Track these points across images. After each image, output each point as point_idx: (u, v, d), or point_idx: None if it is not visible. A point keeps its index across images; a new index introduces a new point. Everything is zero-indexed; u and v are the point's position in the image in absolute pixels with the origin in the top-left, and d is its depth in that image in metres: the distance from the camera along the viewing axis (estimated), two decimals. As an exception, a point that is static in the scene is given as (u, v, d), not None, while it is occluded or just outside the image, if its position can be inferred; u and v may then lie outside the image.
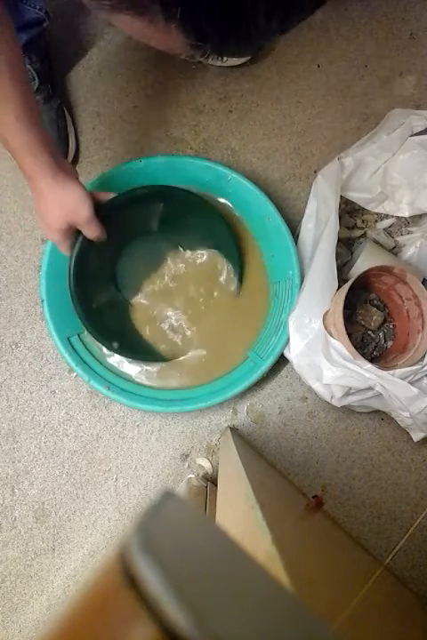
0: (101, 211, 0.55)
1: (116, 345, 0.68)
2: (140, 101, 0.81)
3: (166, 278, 0.74)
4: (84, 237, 0.56)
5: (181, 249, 0.74)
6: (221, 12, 0.24)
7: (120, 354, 0.70)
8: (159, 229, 0.70)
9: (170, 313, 0.74)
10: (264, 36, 0.28)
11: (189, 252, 0.74)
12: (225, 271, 0.74)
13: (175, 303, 0.74)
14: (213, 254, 0.74)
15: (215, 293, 0.75)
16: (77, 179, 0.53)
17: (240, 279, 0.74)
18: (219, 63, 0.79)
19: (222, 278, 0.75)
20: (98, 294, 0.68)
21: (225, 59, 0.30)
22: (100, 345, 0.73)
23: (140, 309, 0.74)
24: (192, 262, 0.75)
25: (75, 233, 0.56)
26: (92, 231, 0.55)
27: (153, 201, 0.66)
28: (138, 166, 0.70)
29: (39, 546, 0.76)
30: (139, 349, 0.72)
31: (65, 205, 0.51)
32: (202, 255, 0.74)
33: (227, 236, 0.71)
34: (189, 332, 0.74)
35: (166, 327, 0.74)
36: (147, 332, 0.74)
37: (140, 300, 0.74)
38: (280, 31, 0.28)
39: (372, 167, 0.73)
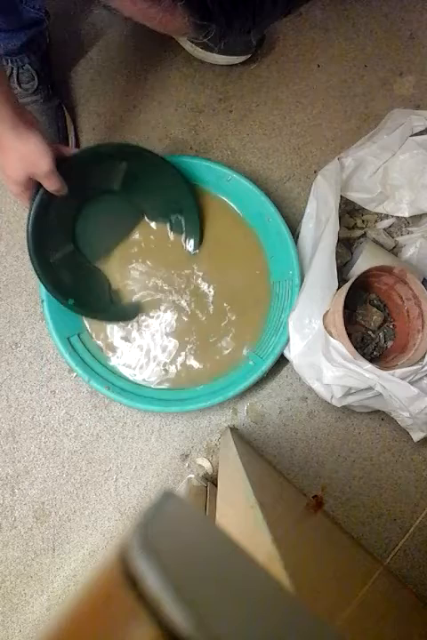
0: (63, 165, 0.54)
1: (71, 302, 0.68)
2: (140, 101, 0.81)
3: (135, 249, 0.75)
4: (45, 191, 0.55)
5: (146, 219, 0.74)
6: None
7: (76, 311, 0.70)
8: (122, 190, 0.69)
9: (132, 281, 0.75)
10: (268, 19, 0.28)
11: (154, 224, 0.75)
12: (184, 232, 0.75)
13: (143, 273, 0.75)
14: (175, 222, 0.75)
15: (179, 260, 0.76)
16: (39, 130, 0.52)
17: (200, 240, 0.75)
18: (217, 55, 0.78)
19: (183, 240, 0.76)
20: (56, 250, 0.66)
21: (223, 45, 0.29)
22: (100, 345, 0.74)
23: (104, 271, 0.74)
24: (159, 233, 0.75)
25: (35, 185, 0.55)
26: (52, 184, 0.54)
27: (116, 159, 0.65)
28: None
29: (39, 546, 0.76)
30: (97, 308, 0.72)
31: (24, 157, 0.51)
32: (167, 227, 0.75)
33: (189, 198, 0.71)
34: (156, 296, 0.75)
35: (131, 290, 0.75)
36: (109, 294, 0.74)
37: (104, 262, 0.74)
38: (284, 14, 0.28)
39: (372, 167, 0.73)
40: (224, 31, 0.28)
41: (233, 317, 0.75)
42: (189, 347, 0.75)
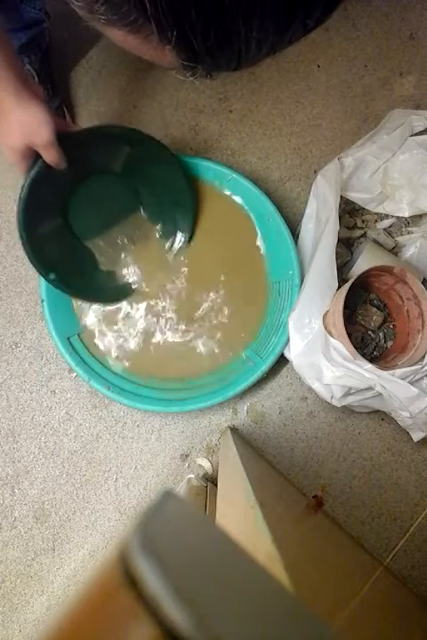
0: (65, 140, 0.53)
1: (52, 276, 0.66)
2: (140, 101, 0.81)
3: (126, 240, 0.75)
4: (44, 163, 0.54)
5: (141, 212, 0.74)
6: (216, 38, 0.25)
7: (56, 287, 0.68)
8: (121, 173, 0.68)
9: (122, 266, 0.75)
10: (253, 60, 0.28)
11: (148, 211, 0.74)
12: (177, 225, 0.75)
13: (134, 260, 0.75)
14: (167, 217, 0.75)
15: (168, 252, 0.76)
16: (43, 100, 0.52)
17: (191, 234, 0.75)
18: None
19: (175, 233, 0.76)
20: (46, 222, 0.65)
21: (214, 75, 0.30)
22: (100, 344, 0.73)
23: (93, 251, 0.73)
24: (154, 223, 0.75)
25: (34, 155, 0.54)
26: (51, 156, 0.53)
27: (120, 142, 0.64)
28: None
29: (39, 546, 0.76)
30: (80, 287, 0.71)
31: (25, 125, 0.50)
32: (156, 218, 0.75)
33: (186, 191, 0.71)
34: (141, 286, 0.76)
35: (118, 275, 0.75)
36: (95, 275, 0.74)
37: (93, 243, 0.73)
38: (268, 56, 0.28)
39: (372, 167, 0.73)
40: (210, 71, 0.29)
41: (229, 314, 0.75)
42: (178, 339, 0.75)
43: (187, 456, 0.78)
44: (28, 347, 0.77)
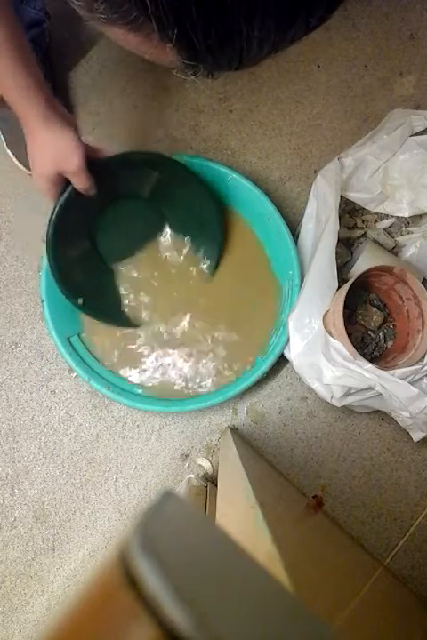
0: (94, 166, 0.54)
1: (80, 301, 0.67)
2: (140, 101, 0.81)
3: (152, 257, 0.74)
4: (73, 189, 0.54)
5: (168, 229, 0.74)
6: (217, 37, 0.25)
7: (83, 311, 0.69)
8: (149, 197, 0.69)
9: (144, 291, 0.74)
10: (256, 60, 0.28)
11: (172, 236, 0.74)
12: (201, 252, 0.74)
13: (156, 283, 0.75)
14: (193, 242, 0.74)
15: (191, 279, 0.75)
16: (73, 126, 0.52)
17: (216, 262, 0.74)
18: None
19: (199, 260, 0.75)
20: (73, 247, 0.66)
21: (216, 75, 0.30)
22: (100, 345, 0.73)
23: (118, 276, 0.74)
24: (178, 248, 0.74)
25: (63, 182, 0.54)
26: (81, 182, 0.53)
27: (148, 168, 0.64)
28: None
29: (39, 546, 0.76)
30: (105, 311, 0.72)
31: (56, 151, 0.50)
32: (186, 242, 0.74)
33: (215, 218, 0.71)
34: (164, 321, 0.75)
35: (142, 300, 0.74)
36: (118, 298, 0.74)
37: (119, 266, 0.73)
38: (270, 55, 0.28)
39: (372, 167, 0.73)
40: (211, 70, 0.29)
41: (242, 333, 0.75)
42: (197, 358, 0.74)
43: (187, 456, 0.78)
44: (28, 347, 0.77)
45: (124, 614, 0.12)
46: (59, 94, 0.77)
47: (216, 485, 0.73)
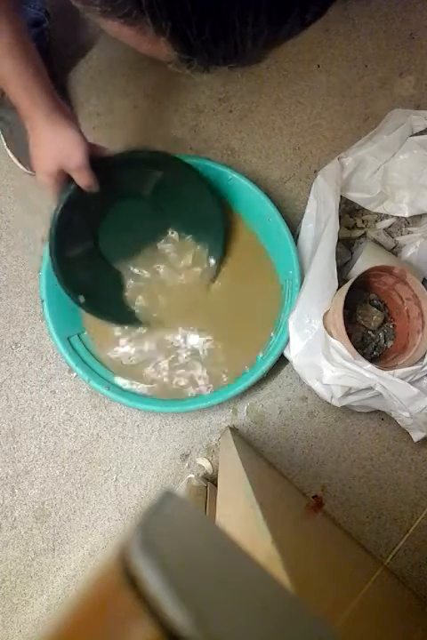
0: (97, 164, 0.54)
1: (82, 299, 0.67)
2: (140, 101, 0.81)
3: (155, 257, 0.74)
4: (76, 186, 0.55)
5: (171, 229, 0.74)
6: (211, 31, 0.25)
7: (85, 309, 0.69)
8: (151, 196, 0.69)
9: (147, 290, 0.74)
10: (253, 55, 0.28)
11: (175, 236, 0.74)
12: (205, 253, 0.74)
13: (160, 283, 0.75)
14: (198, 242, 0.74)
15: (195, 278, 0.75)
16: (76, 123, 0.52)
17: (219, 263, 0.75)
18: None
19: (203, 259, 0.75)
20: (76, 245, 0.66)
21: (212, 70, 0.30)
22: (100, 344, 0.73)
23: (121, 273, 0.73)
24: (181, 248, 0.74)
25: (66, 179, 0.54)
26: (83, 179, 0.53)
27: (151, 167, 0.64)
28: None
29: (39, 546, 0.76)
30: (107, 310, 0.72)
31: (58, 147, 0.50)
32: (189, 241, 0.74)
33: (217, 216, 0.70)
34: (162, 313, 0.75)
35: (145, 300, 0.74)
36: (121, 297, 0.73)
37: (122, 265, 0.73)
38: (268, 50, 0.28)
39: (372, 167, 0.73)
40: (207, 66, 0.29)
41: (247, 333, 0.75)
42: (197, 358, 0.74)
43: (187, 456, 0.78)
44: (28, 347, 0.77)
45: (124, 614, 0.12)
46: (59, 94, 0.77)
47: (216, 485, 0.73)
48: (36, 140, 0.51)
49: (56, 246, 0.60)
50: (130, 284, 0.74)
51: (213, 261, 0.74)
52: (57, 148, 0.50)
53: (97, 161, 0.54)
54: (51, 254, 0.61)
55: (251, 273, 0.76)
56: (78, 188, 0.55)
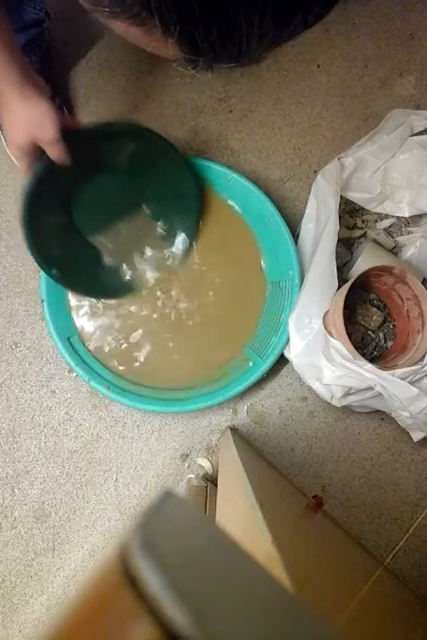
0: (69, 136, 0.53)
1: (54, 271, 0.66)
2: (140, 101, 0.81)
3: (130, 238, 0.74)
4: (48, 159, 0.54)
5: (144, 208, 0.73)
6: (218, 32, 0.25)
7: (57, 282, 0.68)
8: (126, 170, 0.68)
9: (126, 263, 0.75)
10: (255, 55, 0.29)
11: (150, 215, 0.74)
12: (179, 226, 0.75)
13: (137, 258, 0.75)
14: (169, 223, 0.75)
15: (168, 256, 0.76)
16: (48, 95, 0.51)
17: (192, 237, 0.75)
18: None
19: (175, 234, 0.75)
20: (49, 217, 0.65)
21: (215, 69, 0.31)
22: (101, 343, 0.73)
23: (97, 247, 0.73)
24: (152, 228, 0.75)
25: (38, 152, 0.54)
26: (55, 152, 0.53)
27: (125, 139, 0.64)
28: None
29: (39, 546, 0.76)
30: (82, 283, 0.72)
31: (30, 120, 0.50)
32: (161, 223, 0.75)
33: (191, 192, 0.70)
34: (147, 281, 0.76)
35: (122, 271, 0.75)
36: (97, 270, 0.73)
37: (98, 239, 0.73)
38: (271, 50, 0.29)
39: (372, 167, 0.73)
40: (211, 65, 0.30)
41: (227, 316, 0.75)
42: (178, 343, 0.75)
43: (187, 456, 0.78)
44: (28, 347, 0.77)
45: (124, 614, 0.12)
46: (59, 94, 0.77)
47: (216, 485, 0.73)
48: (8, 113, 0.50)
49: (27, 218, 0.59)
50: (105, 257, 0.74)
51: (184, 236, 0.74)
52: (28, 120, 0.50)
53: (70, 134, 0.53)
54: (22, 225, 0.60)
55: (249, 272, 0.76)
56: (51, 160, 0.54)
